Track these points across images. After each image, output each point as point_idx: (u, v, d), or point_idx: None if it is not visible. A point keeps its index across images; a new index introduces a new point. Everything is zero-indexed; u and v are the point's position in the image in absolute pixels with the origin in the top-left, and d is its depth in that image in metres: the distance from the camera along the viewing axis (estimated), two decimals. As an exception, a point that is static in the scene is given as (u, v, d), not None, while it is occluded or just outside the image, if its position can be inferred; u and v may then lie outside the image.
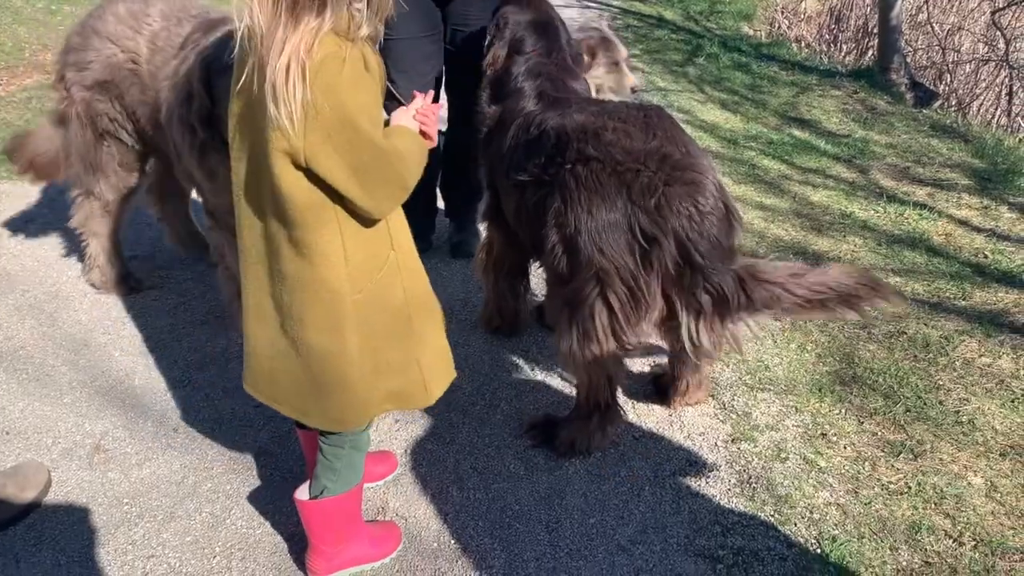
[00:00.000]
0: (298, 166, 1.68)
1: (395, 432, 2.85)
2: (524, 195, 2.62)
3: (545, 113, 2.65)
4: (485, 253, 3.17)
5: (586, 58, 3.36)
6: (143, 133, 3.20)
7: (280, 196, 1.72)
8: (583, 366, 2.53)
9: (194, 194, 3.55)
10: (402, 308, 1.96)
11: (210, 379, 3.11)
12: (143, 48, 3.03)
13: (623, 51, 3.43)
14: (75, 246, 4.06)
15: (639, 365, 3.22)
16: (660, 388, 3.02)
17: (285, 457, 2.72)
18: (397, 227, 1.94)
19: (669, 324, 2.48)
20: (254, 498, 2.56)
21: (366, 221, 1.82)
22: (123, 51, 3.06)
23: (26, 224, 4.28)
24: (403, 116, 1.98)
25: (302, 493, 2.17)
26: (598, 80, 3.41)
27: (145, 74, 3.01)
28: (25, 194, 4.59)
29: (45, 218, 4.35)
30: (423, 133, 1.98)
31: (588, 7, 9.88)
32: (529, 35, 2.95)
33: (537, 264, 3.00)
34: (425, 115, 2.00)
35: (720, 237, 2.31)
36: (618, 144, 2.34)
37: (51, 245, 4.08)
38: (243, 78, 1.68)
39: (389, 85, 2.01)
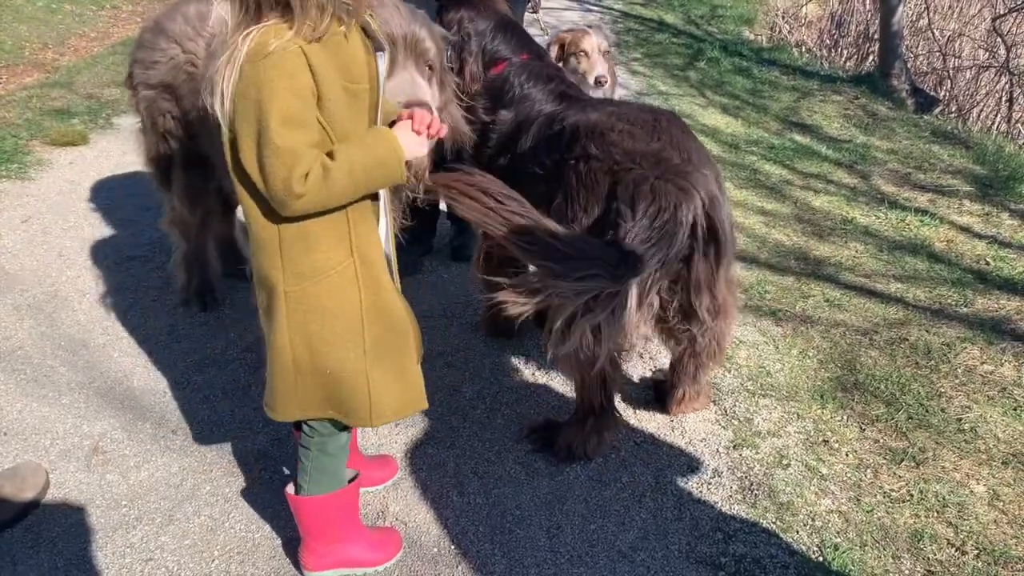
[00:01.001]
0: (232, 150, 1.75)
1: (395, 436, 2.83)
2: (537, 189, 2.61)
3: (568, 111, 2.66)
4: (484, 261, 3.14)
5: (555, 50, 3.46)
6: (199, 141, 3.10)
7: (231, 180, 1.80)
8: (577, 366, 2.52)
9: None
10: (354, 318, 1.90)
11: (209, 380, 3.10)
12: (202, 51, 2.97)
13: (597, 41, 3.48)
14: (74, 246, 4.05)
15: (640, 371, 3.21)
16: (659, 395, 3.01)
17: (285, 460, 2.71)
18: (363, 235, 1.88)
19: (665, 325, 2.48)
20: (253, 501, 2.55)
21: (309, 217, 1.78)
22: (184, 52, 3.01)
23: (25, 223, 4.26)
24: (403, 129, 1.91)
25: (291, 486, 2.19)
26: (571, 71, 3.51)
27: (200, 78, 2.95)
28: (24, 193, 4.57)
29: (44, 217, 4.33)
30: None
31: (590, 10, 9.88)
32: (502, 40, 2.95)
33: None
34: (421, 129, 1.92)
35: (693, 254, 2.30)
36: (620, 145, 2.35)
37: (50, 245, 4.06)
38: None
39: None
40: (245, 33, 1.63)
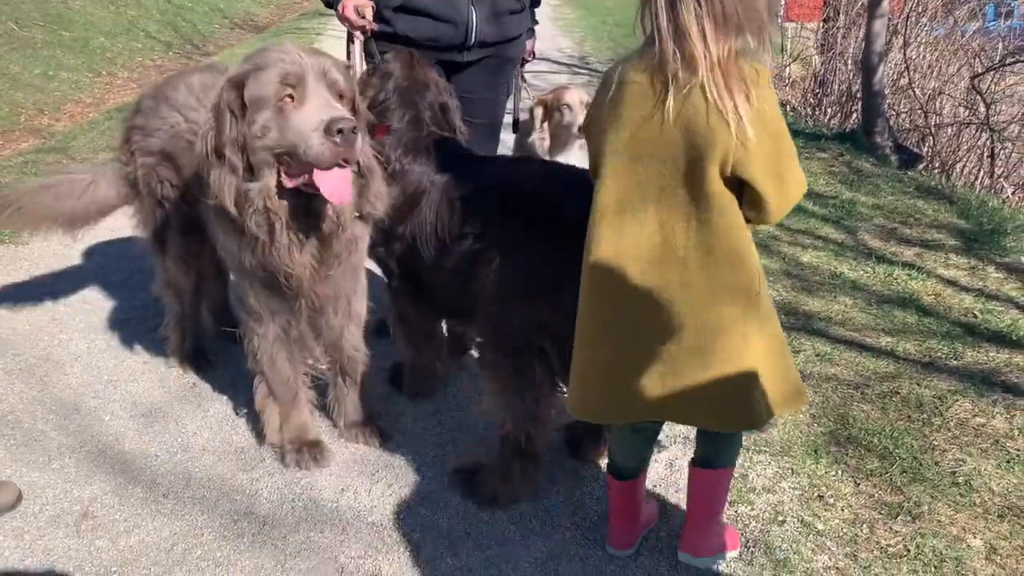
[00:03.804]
0: (722, 173, 1.88)
1: (386, 497, 2.81)
2: (463, 255, 2.61)
3: (466, 172, 2.70)
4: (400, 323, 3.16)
5: (539, 111, 3.67)
6: (196, 207, 3.00)
7: (705, 201, 1.91)
8: (509, 406, 2.60)
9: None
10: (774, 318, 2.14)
11: (201, 444, 3.08)
12: (203, 122, 2.93)
13: (578, 95, 3.65)
14: (67, 309, 4.06)
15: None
16: (572, 442, 3.01)
17: (277, 524, 2.68)
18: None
19: None
20: (244, 567, 2.51)
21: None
22: (187, 121, 3.00)
23: (19, 287, 4.27)
24: None
25: (700, 464, 2.43)
26: (553, 128, 3.71)
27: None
28: (18, 257, 4.60)
29: (38, 281, 4.34)
30: None
31: (578, 73, 10.09)
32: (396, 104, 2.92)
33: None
34: None
35: None
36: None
37: (44, 309, 4.07)
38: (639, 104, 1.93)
39: None
40: (731, 52, 1.83)
